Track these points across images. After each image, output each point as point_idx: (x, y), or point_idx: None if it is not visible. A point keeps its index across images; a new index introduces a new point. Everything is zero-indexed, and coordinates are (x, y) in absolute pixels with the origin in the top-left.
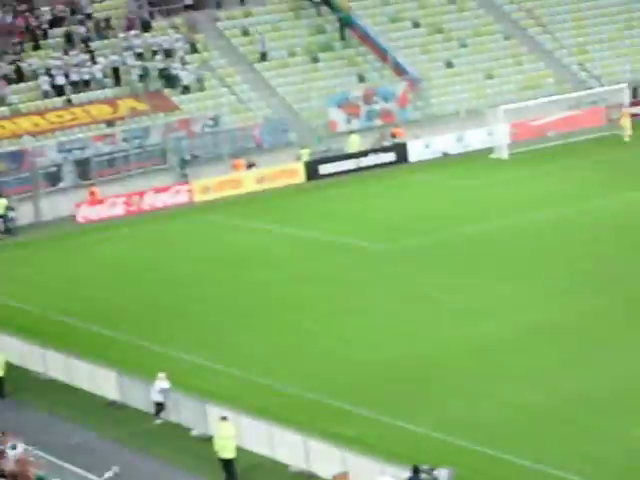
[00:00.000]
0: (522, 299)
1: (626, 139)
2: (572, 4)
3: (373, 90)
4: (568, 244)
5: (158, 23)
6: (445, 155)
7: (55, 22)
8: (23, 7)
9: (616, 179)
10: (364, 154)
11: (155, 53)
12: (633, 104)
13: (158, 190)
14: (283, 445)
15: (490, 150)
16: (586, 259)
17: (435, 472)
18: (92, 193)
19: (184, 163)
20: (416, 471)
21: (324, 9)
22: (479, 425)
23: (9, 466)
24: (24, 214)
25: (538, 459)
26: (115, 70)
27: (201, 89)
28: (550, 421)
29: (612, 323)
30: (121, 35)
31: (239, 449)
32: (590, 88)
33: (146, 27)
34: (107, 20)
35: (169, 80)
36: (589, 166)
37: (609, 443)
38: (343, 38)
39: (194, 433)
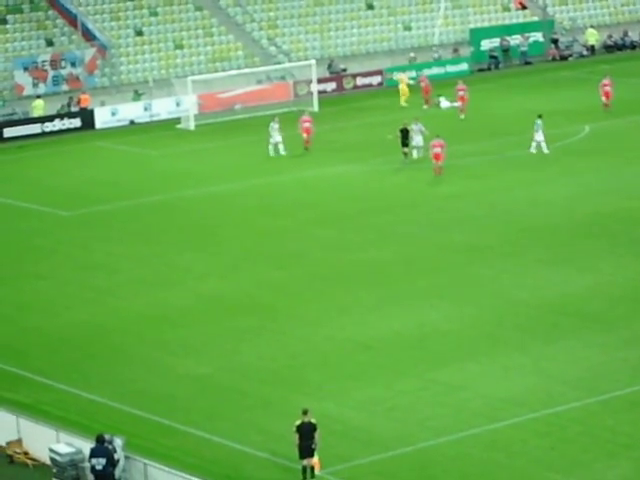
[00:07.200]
0: (202, 270)
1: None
2: None
3: (61, 55)
4: (250, 217)
5: None
6: (132, 123)
7: None
8: None
9: (301, 155)
10: (49, 119)
11: None
12: (326, 80)
13: None
14: None
15: (177, 120)
16: (268, 232)
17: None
18: None
19: None
20: (100, 440)
21: None
22: (154, 395)
23: None
24: None
25: (210, 429)
26: None
27: None
28: (222, 393)
29: (290, 297)
30: None
31: None
32: (279, 63)
33: None
34: None
35: None
36: None
37: (280, 415)
38: (32, 1)
39: None
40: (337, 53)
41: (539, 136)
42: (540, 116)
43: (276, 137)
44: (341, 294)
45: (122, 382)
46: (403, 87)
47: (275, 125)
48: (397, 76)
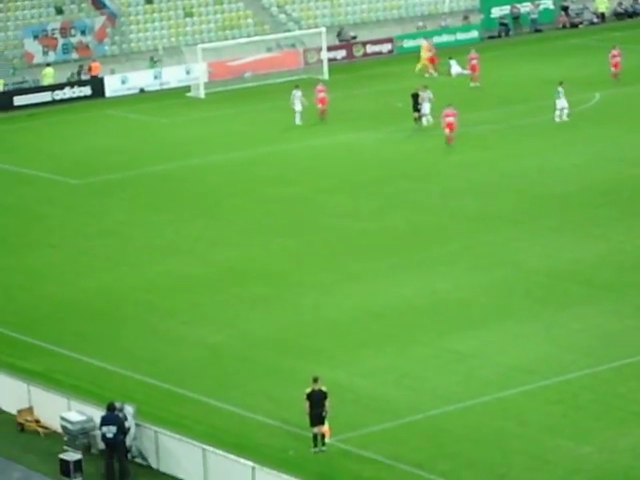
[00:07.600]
0: (213, 238)
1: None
2: None
3: (70, 23)
4: (261, 185)
5: None
6: (142, 91)
7: None
8: None
9: (312, 123)
10: (60, 87)
11: None
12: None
13: None
14: None
15: (187, 88)
16: (278, 200)
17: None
18: None
19: None
20: (111, 408)
21: None
22: (165, 363)
23: None
24: None
25: (221, 397)
26: None
27: None
28: (233, 361)
29: (301, 265)
30: None
31: None
32: (289, 31)
33: None
34: None
35: None
36: (285, 107)
37: (291, 383)
38: None
39: None
40: (347, 21)
41: (561, 103)
42: (561, 83)
43: (298, 105)
44: (352, 262)
45: (133, 350)
46: (424, 54)
47: (298, 93)
48: (420, 42)
